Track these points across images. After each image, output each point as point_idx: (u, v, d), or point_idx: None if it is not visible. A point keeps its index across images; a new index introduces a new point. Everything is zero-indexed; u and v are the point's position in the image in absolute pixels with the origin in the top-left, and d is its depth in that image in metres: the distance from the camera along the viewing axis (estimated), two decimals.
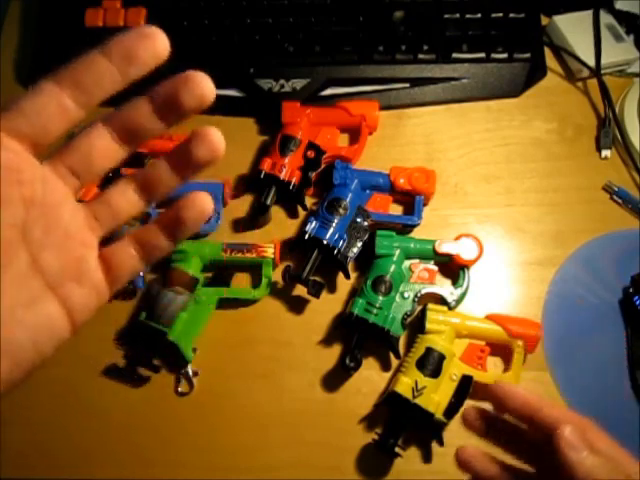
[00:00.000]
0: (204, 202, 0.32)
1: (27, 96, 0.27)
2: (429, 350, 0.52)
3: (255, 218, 0.62)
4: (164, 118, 0.29)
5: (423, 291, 0.56)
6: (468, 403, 0.51)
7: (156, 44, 0.27)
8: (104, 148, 0.29)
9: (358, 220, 0.58)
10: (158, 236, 0.31)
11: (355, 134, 0.64)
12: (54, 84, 0.27)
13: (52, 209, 0.28)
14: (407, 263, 0.57)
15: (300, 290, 0.58)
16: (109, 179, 0.60)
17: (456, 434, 0.53)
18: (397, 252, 0.57)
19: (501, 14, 0.67)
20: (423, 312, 0.54)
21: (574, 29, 0.68)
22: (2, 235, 0.26)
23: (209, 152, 0.31)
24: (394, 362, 0.56)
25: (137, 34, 0.27)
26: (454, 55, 0.66)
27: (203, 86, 0.29)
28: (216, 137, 0.31)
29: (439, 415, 0.51)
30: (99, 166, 0.29)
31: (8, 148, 0.26)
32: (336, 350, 0.57)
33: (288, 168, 0.60)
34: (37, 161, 0.28)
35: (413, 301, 0.55)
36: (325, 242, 0.56)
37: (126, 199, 0.30)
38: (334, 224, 0.57)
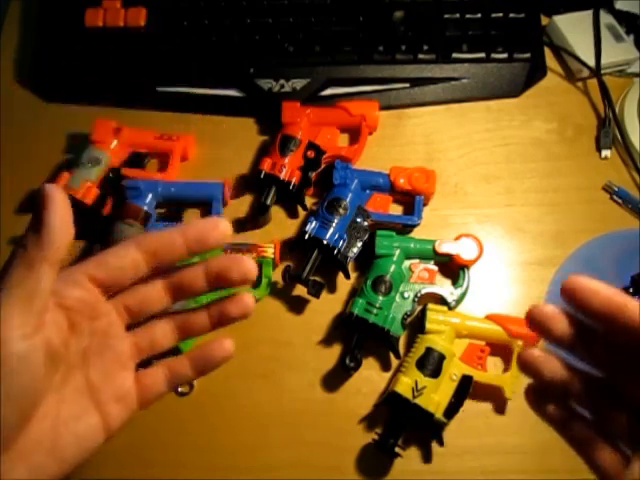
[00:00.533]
0: (229, 347, 0.39)
1: (112, 251, 0.34)
2: (429, 350, 0.52)
3: (255, 218, 0.62)
4: (211, 285, 0.37)
5: (423, 291, 0.56)
6: (468, 403, 0.52)
7: (222, 232, 0.36)
8: (156, 297, 0.36)
9: (358, 220, 0.58)
10: (187, 368, 0.38)
11: (355, 134, 0.64)
12: (136, 248, 0.34)
13: (110, 339, 0.35)
14: (407, 263, 0.57)
15: (300, 290, 0.58)
16: (109, 179, 0.60)
17: (456, 434, 0.53)
18: (397, 252, 0.57)
19: (501, 14, 0.67)
20: (423, 312, 0.54)
21: (574, 29, 0.68)
22: (69, 360, 0.33)
23: (241, 313, 0.39)
24: (394, 362, 0.56)
25: (211, 224, 0.36)
26: (454, 55, 0.66)
27: (248, 269, 0.37)
28: (249, 302, 0.39)
29: (439, 415, 0.51)
30: (148, 310, 0.36)
31: (88, 289, 0.33)
32: (336, 350, 0.57)
33: (288, 168, 0.60)
34: (105, 300, 0.35)
35: (413, 301, 0.55)
36: (325, 242, 0.56)
37: (164, 334, 0.37)
38: (334, 224, 0.57)
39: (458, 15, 0.67)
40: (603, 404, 0.35)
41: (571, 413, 0.36)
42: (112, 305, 0.35)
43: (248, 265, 0.36)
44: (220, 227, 0.36)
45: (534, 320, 0.34)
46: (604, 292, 0.34)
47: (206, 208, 0.61)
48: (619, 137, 0.64)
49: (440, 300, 0.56)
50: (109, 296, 0.35)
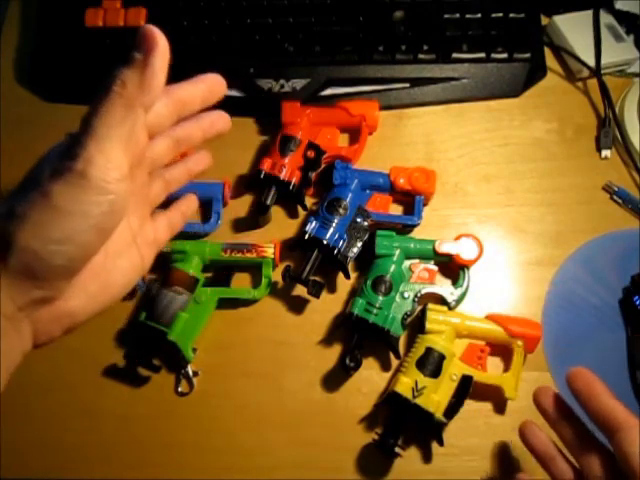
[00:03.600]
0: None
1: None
2: (429, 350, 0.52)
3: (255, 218, 0.62)
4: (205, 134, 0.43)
5: (423, 291, 0.56)
6: (468, 403, 0.52)
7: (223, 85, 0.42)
8: (165, 152, 0.41)
9: (358, 220, 0.58)
10: (179, 219, 0.46)
11: (355, 134, 0.64)
12: (166, 97, 0.38)
13: (144, 189, 0.41)
14: (407, 263, 0.57)
15: (300, 290, 0.58)
16: None
17: (456, 434, 0.53)
18: (397, 252, 0.57)
19: (501, 14, 0.67)
20: (423, 312, 0.54)
21: (574, 29, 0.68)
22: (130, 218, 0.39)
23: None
24: (394, 362, 0.56)
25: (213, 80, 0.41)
26: (454, 55, 0.66)
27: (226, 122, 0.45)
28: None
29: (439, 415, 0.51)
30: (160, 164, 0.42)
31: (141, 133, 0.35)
32: (336, 350, 0.57)
33: (288, 168, 0.60)
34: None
35: (413, 301, 0.55)
36: (325, 242, 0.56)
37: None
38: (334, 224, 0.57)
39: (458, 15, 0.67)
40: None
41: (556, 451, 0.45)
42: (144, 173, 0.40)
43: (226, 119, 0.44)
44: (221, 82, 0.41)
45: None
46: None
47: (206, 208, 0.61)
48: (619, 137, 0.64)
49: (440, 300, 0.56)
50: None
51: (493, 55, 0.66)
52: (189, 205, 0.48)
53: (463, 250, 0.57)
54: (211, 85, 0.40)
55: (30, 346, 0.35)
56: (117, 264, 0.38)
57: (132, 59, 0.34)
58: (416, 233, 0.60)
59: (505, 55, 0.66)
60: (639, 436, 0.38)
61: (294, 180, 0.60)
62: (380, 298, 0.54)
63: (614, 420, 0.40)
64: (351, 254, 0.57)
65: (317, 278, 0.57)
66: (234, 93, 0.66)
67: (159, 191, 0.43)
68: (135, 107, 0.33)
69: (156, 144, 0.40)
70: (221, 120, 0.44)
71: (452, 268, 0.58)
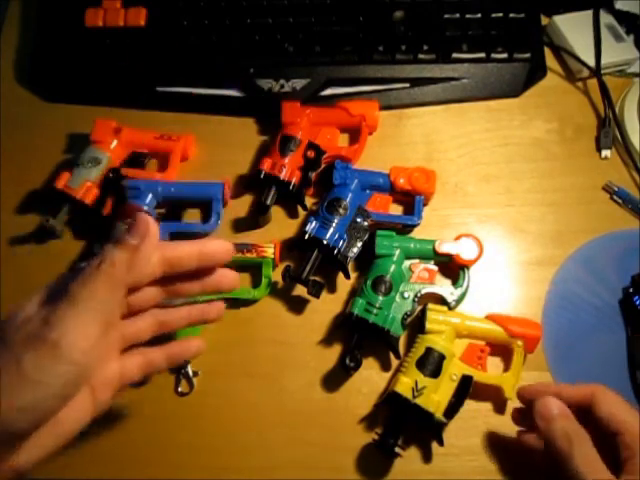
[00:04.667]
0: (201, 346, 0.46)
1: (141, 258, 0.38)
2: (429, 350, 0.52)
3: (255, 218, 0.62)
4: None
5: (423, 291, 0.56)
6: (468, 403, 0.52)
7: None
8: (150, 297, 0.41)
9: (358, 220, 0.58)
10: (161, 360, 0.43)
11: (355, 134, 0.64)
12: (160, 258, 0.38)
13: (110, 353, 0.41)
14: (407, 263, 0.57)
15: (300, 290, 0.58)
16: (108, 179, 0.60)
17: (456, 434, 0.53)
18: (397, 252, 0.57)
19: (501, 14, 0.67)
20: (423, 312, 0.54)
21: (574, 29, 0.68)
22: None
23: (217, 316, 0.46)
24: (394, 362, 0.56)
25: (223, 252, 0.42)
26: (454, 55, 0.66)
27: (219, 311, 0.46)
28: (222, 307, 0.46)
29: (439, 415, 0.51)
30: (141, 306, 0.41)
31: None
32: (336, 350, 0.57)
33: (288, 168, 0.60)
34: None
35: (413, 301, 0.55)
36: (325, 242, 0.56)
37: (146, 327, 0.42)
38: (334, 224, 0.57)
39: (458, 15, 0.67)
40: None
41: None
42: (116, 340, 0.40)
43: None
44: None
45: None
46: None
47: (206, 208, 0.61)
48: (619, 137, 0.64)
49: (440, 300, 0.56)
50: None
51: (493, 55, 0.66)
52: (183, 350, 0.45)
53: (463, 250, 0.57)
54: (213, 252, 0.41)
55: None
56: (67, 411, 0.37)
57: (125, 242, 0.34)
58: (416, 233, 0.60)
59: (505, 55, 0.66)
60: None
61: (294, 180, 0.60)
62: (380, 298, 0.54)
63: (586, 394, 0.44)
64: (351, 254, 0.57)
65: (317, 278, 0.57)
66: (234, 93, 0.66)
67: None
68: (120, 288, 0.34)
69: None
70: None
71: (452, 268, 0.58)
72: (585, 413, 0.45)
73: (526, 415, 0.48)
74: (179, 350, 0.44)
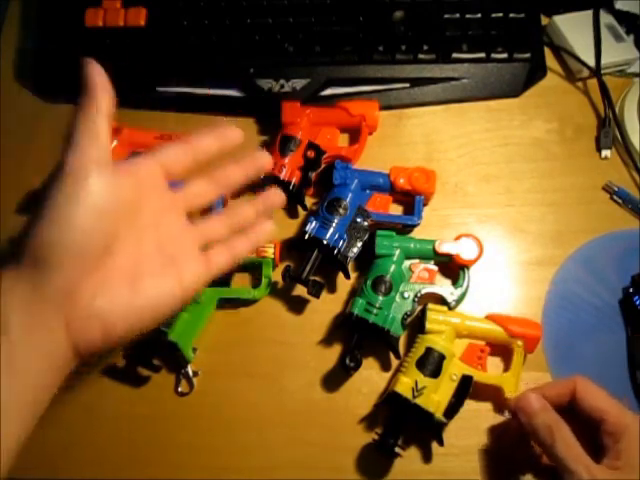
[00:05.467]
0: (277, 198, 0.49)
1: (163, 144, 0.43)
2: (429, 350, 0.52)
3: None
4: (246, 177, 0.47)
5: (423, 291, 0.56)
6: (468, 403, 0.52)
7: (238, 135, 0.47)
8: (204, 190, 0.46)
9: (358, 220, 0.58)
10: (244, 244, 0.46)
11: (355, 134, 0.64)
12: (180, 144, 0.43)
13: (173, 216, 0.43)
14: (407, 263, 0.57)
15: (300, 290, 0.58)
16: None
17: (456, 434, 0.53)
18: (397, 252, 0.57)
19: (501, 14, 0.67)
20: (423, 312, 0.54)
21: (574, 29, 0.68)
22: (143, 221, 0.40)
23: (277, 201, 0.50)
24: (394, 362, 0.56)
25: (228, 129, 0.46)
26: (454, 55, 0.66)
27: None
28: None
29: (439, 415, 0.51)
30: (201, 202, 0.46)
31: (155, 167, 0.41)
32: (336, 350, 0.57)
33: (288, 168, 0.60)
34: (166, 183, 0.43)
35: (413, 301, 0.55)
36: (325, 242, 0.56)
37: (218, 224, 0.46)
38: (334, 224, 0.57)
39: (458, 15, 0.67)
40: None
41: None
42: (172, 191, 0.43)
43: (262, 158, 0.48)
44: (234, 130, 0.46)
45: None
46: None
47: (206, 209, 0.61)
48: (619, 137, 0.64)
49: (440, 300, 0.56)
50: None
51: (493, 55, 0.66)
52: (260, 232, 0.48)
53: (463, 250, 0.57)
54: (223, 132, 0.45)
55: (69, 351, 0.36)
56: (150, 280, 0.39)
57: (82, 88, 0.39)
58: (416, 233, 0.60)
59: (505, 55, 0.66)
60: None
61: (294, 180, 0.60)
62: (380, 298, 0.54)
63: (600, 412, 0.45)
64: (351, 254, 0.57)
65: (317, 278, 0.57)
66: (234, 93, 0.66)
67: (219, 256, 0.44)
68: (92, 116, 0.38)
69: (193, 184, 0.45)
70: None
71: (452, 268, 0.58)
72: (569, 407, 0.47)
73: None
74: (257, 228, 0.47)
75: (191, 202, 0.44)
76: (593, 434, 0.45)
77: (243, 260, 0.57)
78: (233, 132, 0.45)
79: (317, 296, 0.56)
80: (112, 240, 0.37)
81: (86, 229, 0.36)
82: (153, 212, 0.41)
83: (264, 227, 0.47)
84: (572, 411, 0.47)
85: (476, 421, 0.54)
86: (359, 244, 0.57)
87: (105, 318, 0.37)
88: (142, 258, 0.39)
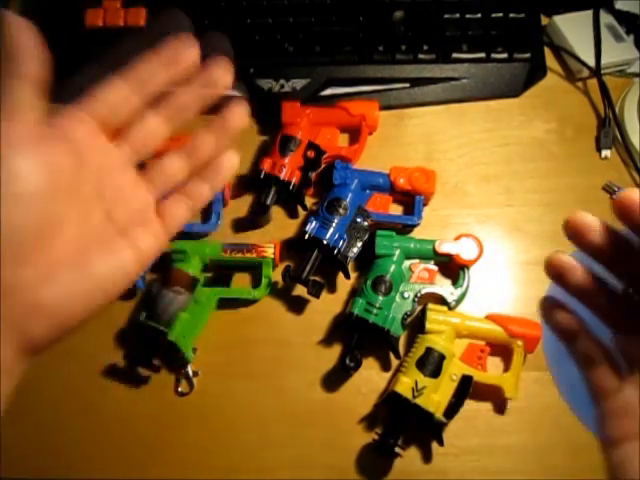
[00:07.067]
0: (235, 159, 0.41)
1: (103, 88, 0.36)
2: (429, 350, 0.52)
3: (255, 218, 0.62)
4: (200, 104, 0.39)
5: (423, 291, 0.56)
6: (468, 403, 0.52)
7: (192, 49, 0.37)
8: (155, 128, 0.38)
9: (358, 220, 0.58)
10: (204, 187, 0.39)
11: (355, 134, 0.64)
12: (121, 80, 0.36)
13: (120, 175, 0.37)
14: (407, 263, 0.57)
15: (300, 290, 0.58)
16: None
17: (456, 434, 0.53)
18: (397, 252, 0.57)
19: (501, 14, 0.67)
20: (423, 312, 0.54)
21: (574, 29, 0.68)
22: (85, 194, 0.34)
23: (239, 120, 0.40)
24: (394, 362, 0.56)
25: (177, 43, 0.36)
26: (454, 55, 0.66)
27: (224, 79, 0.40)
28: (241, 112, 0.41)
29: (439, 415, 0.51)
30: (153, 143, 0.38)
31: (90, 125, 0.35)
32: (336, 350, 0.57)
33: (288, 168, 0.60)
34: (107, 137, 0.36)
35: (413, 301, 0.55)
36: (325, 242, 0.56)
37: (176, 167, 0.39)
38: (334, 224, 0.57)
39: (458, 15, 0.67)
40: (622, 322, 0.36)
41: (581, 327, 0.38)
42: (117, 144, 0.37)
43: (223, 75, 0.39)
44: (186, 44, 0.37)
45: (573, 229, 0.34)
46: None
47: (206, 208, 0.61)
48: (619, 137, 0.64)
49: (440, 300, 0.56)
50: (112, 133, 0.36)
51: (493, 55, 0.66)
52: (222, 168, 0.40)
53: (463, 250, 0.57)
54: (171, 54, 0.37)
55: (14, 351, 0.32)
56: (100, 258, 0.34)
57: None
58: (416, 233, 0.60)
59: (505, 55, 0.66)
60: None
61: (294, 180, 0.60)
62: (380, 298, 0.54)
63: None
64: (351, 254, 0.57)
65: (317, 278, 0.57)
66: (234, 93, 0.66)
67: (176, 209, 0.39)
68: (12, 80, 0.34)
69: (139, 125, 0.37)
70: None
71: (452, 268, 0.58)
72: None
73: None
74: (213, 167, 0.40)
75: (140, 148, 0.38)
76: None
77: (242, 261, 0.58)
78: (186, 51, 0.37)
79: (317, 296, 0.56)
80: (50, 223, 0.33)
81: (16, 221, 0.31)
82: (95, 177, 0.35)
83: (227, 161, 0.40)
84: None
85: (476, 421, 0.54)
86: (359, 244, 0.57)
87: (52, 308, 0.33)
88: (88, 234, 0.34)
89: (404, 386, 0.51)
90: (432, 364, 0.52)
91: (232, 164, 0.40)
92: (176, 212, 0.38)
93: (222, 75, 0.39)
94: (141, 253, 0.36)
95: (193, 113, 0.39)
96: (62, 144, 0.33)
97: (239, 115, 0.41)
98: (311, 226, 0.57)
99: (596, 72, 0.66)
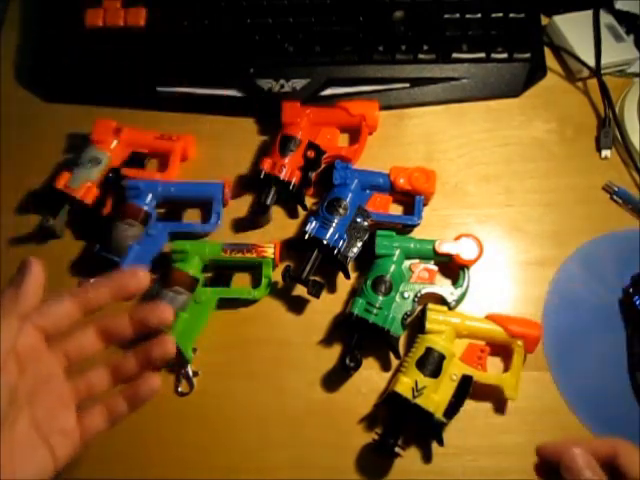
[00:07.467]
0: (156, 383, 0.43)
1: (50, 302, 0.39)
2: (429, 350, 0.52)
3: (255, 218, 0.62)
4: (136, 331, 0.42)
5: (423, 291, 0.56)
6: (468, 403, 0.52)
7: (141, 281, 0.41)
8: (90, 342, 0.41)
9: (358, 220, 0.58)
10: (122, 405, 0.42)
11: (355, 134, 0.64)
12: (70, 297, 0.39)
13: (51, 382, 0.39)
14: (407, 263, 0.57)
15: (300, 290, 0.58)
16: (109, 179, 0.61)
17: (456, 434, 0.53)
18: (397, 252, 0.57)
19: (501, 14, 0.67)
20: (423, 312, 0.54)
21: (574, 29, 0.68)
22: (18, 401, 0.37)
23: (163, 353, 0.43)
24: (394, 362, 0.56)
25: (130, 274, 0.41)
26: (454, 55, 0.66)
27: (164, 316, 0.41)
28: (171, 344, 0.42)
29: (439, 415, 0.51)
30: (84, 354, 0.41)
31: (33, 336, 0.38)
32: (336, 350, 0.57)
33: (288, 168, 0.60)
34: (46, 346, 0.39)
35: (413, 301, 0.55)
36: (325, 242, 0.56)
37: (99, 378, 0.42)
38: (334, 224, 0.57)
39: (458, 15, 0.67)
40: None
41: None
42: (53, 351, 0.40)
43: (163, 311, 0.41)
44: (138, 276, 0.41)
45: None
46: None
47: (206, 208, 0.61)
48: (619, 137, 0.64)
49: (440, 300, 0.56)
50: (50, 342, 0.39)
51: (493, 55, 0.66)
52: (142, 389, 0.42)
53: (463, 250, 0.57)
54: (120, 282, 0.40)
55: None
56: (21, 462, 0.37)
57: (12, 280, 0.38)
58: (416, 233, 0.60)
59: (505, 55, 0.66)
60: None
61: (294, 180, 0.60)
62: (380, 298, 0.54)
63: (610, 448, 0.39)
64: (351, 254, 0.57)
65: (317, 278, 0.57)
66: (234, 93, 0.66)
67: (95, 420, 0.42)
68: (6, 317, 0.36)
69: (78, 335, 0.41)
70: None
71: (452, 268, 0.58)
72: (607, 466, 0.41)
73: (547, 469, 0.45)
74: (134, 390, 0.42)
75: (73, 356, 0.41)
76: None
77: (242, 261, 0.58)
78: (137, 279, 0.41)
79: (317, 296, 0.56)
80: None
81: None
82: (30, 387, 0.38)
83: (148, 384, 0.42)
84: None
85: (476, 421, 0.54)
86: (359, 244, 0.57)
87: None
88: (15, 442, 0.37)
89: (404, 386, 0.51)
90: (432, 364, 0.52)
91: (152, 388, 0.42)
92: (95, 423, 0.41)
93: (165, 317, 0.42)
94: (57, 461, 0.39)
95: (129, 338, 0.42)
96: (9, 363, 0.36)
97: (166, 347, 0.42)
98: (311, 226, 0.57)
99: (596, 72, 0.66)
